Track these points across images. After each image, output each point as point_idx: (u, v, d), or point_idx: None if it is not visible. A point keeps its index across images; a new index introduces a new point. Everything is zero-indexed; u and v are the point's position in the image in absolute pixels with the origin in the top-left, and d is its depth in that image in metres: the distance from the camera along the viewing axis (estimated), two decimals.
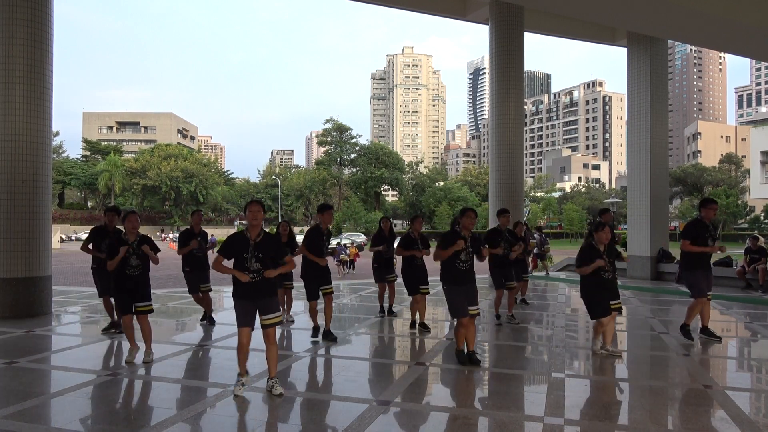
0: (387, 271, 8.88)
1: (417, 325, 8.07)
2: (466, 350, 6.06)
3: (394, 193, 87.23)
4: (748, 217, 71.05)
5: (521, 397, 5.10)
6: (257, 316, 4.95)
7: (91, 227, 8.05)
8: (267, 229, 5.41)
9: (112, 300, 7.75)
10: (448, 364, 6.14)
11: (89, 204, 78.84)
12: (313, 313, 7.35)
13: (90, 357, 6.55)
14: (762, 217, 68.24)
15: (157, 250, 6.31)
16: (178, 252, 8.22)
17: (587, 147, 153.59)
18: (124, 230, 6.25)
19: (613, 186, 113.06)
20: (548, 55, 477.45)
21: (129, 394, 5.14)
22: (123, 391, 5.21)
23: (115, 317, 7.87)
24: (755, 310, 10.28)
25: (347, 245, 26.34)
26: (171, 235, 59.51)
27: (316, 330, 7.47)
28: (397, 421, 4.42)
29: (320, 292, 7.22)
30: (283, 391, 4.94)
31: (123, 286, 6.06)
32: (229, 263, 4.96)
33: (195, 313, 9.42)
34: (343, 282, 15.94)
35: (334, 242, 34.37)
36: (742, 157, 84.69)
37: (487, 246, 7.82)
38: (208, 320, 8.39)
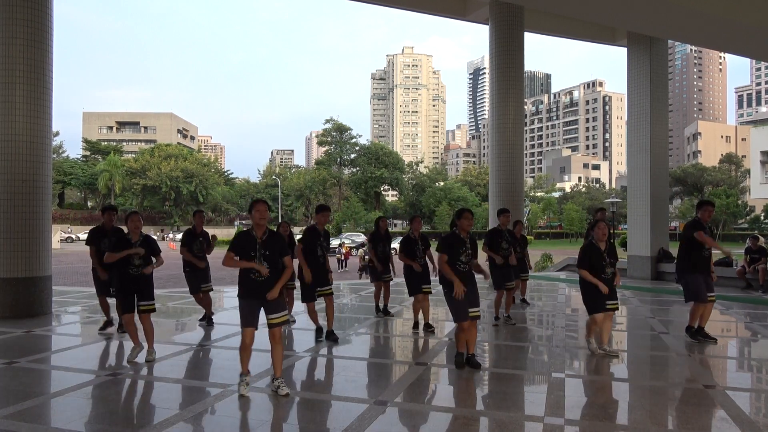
0: (384, 270, 8.88)
1: (421, 325, 8.02)
2: (466, 353, 6.02)
3: (394, 193, 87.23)
4: (748, 217, 71.09)
5: (521, 397, 5.10)
6: (261, 317, 4.95)
7: (90, 228, 7.91)
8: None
9: (108, 300, 7.75)
10: (448, 364, 6.14)
11: (89, 204, 78.82)
12: (312, 315, 7.35)
13: (90, 357, 6.55)
14: (762, 217, 68.27)
15: (158, 251, 6.36)
16: (180, 252, 8.22)
17: (587, 147, 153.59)
18: (126, 230, 6.26)
19: (613, 186, 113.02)
20: (548, 55, 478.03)
21: (129, 394, 5.14)
22: (123, 391, 5.21)
23: (110, 316, 7.87)
24: (755, 310, 10.28)
25: (343, 244, 26.16)
26: (170, 235, 59.50)
27: (319, 331, 7.42)
28: (397, 421, 4.42)
29: (319, 294, 7.17)
30: (288, 392, 4.94)
31: (126, 285, 6.10)
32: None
33: (195, 313, 9.42)
34: (343, 282, 15.94)
35: (335, 242, 34.42)
36: (742, 157, 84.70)
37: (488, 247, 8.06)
38: (207, 321, 8.36)
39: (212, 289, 8.47)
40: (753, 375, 6.22)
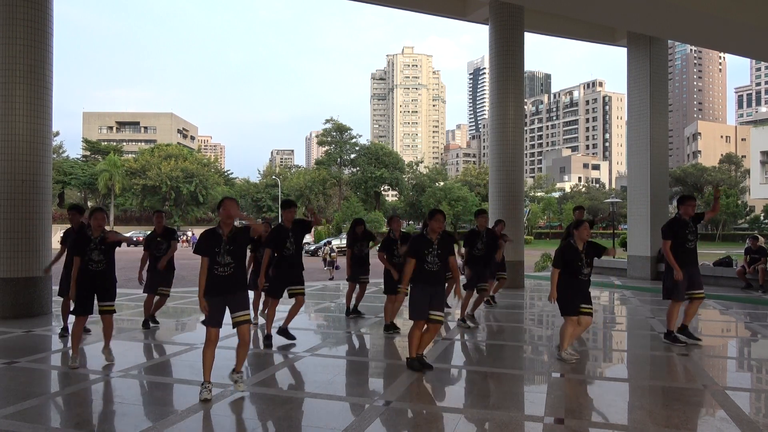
0: (361, 271, 8.90)
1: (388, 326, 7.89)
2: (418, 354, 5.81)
3: (394, 193, 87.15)
4: (748, 217, 71.06)
5: (521, 397, 5.10)
6: (227, 317, 4.91)
7: (64, 229, 7.74)
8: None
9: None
10: (448, 364, 6.14)
11: (89, 204, 78.80)
12: (270, 313, 7.05)
13: (90, 357, 6.54)
14: (762, 217, 68.25)
15: (121, 240, 6.13)
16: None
17: (587, 147, 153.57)
18: (89, 225, 6.10)
19: (613, 186, 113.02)
20: (548, 55, 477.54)
21: (129, 395, 5.14)
22: (122, 391, 5.21)
23: (67, 323, 7.60)
24: (755, 310, 10.28)
25: (329, 243, 26.19)
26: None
27: (268, 338, 6.99)
28: (397, 421, 4.42)
29: (289, 293, 6.94)
30: (245, 388, 4.98)
31: (85, 282, 5.90)
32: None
33: (195, 312, 9.42)
34: (342, 282, 15.93)
35: (336, 242, 34.35)
36: (742, 157, 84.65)
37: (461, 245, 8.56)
38: (151, 321, 8.18)
39: (169, 295, 8.26)
40: (753, 375, 6.22)
